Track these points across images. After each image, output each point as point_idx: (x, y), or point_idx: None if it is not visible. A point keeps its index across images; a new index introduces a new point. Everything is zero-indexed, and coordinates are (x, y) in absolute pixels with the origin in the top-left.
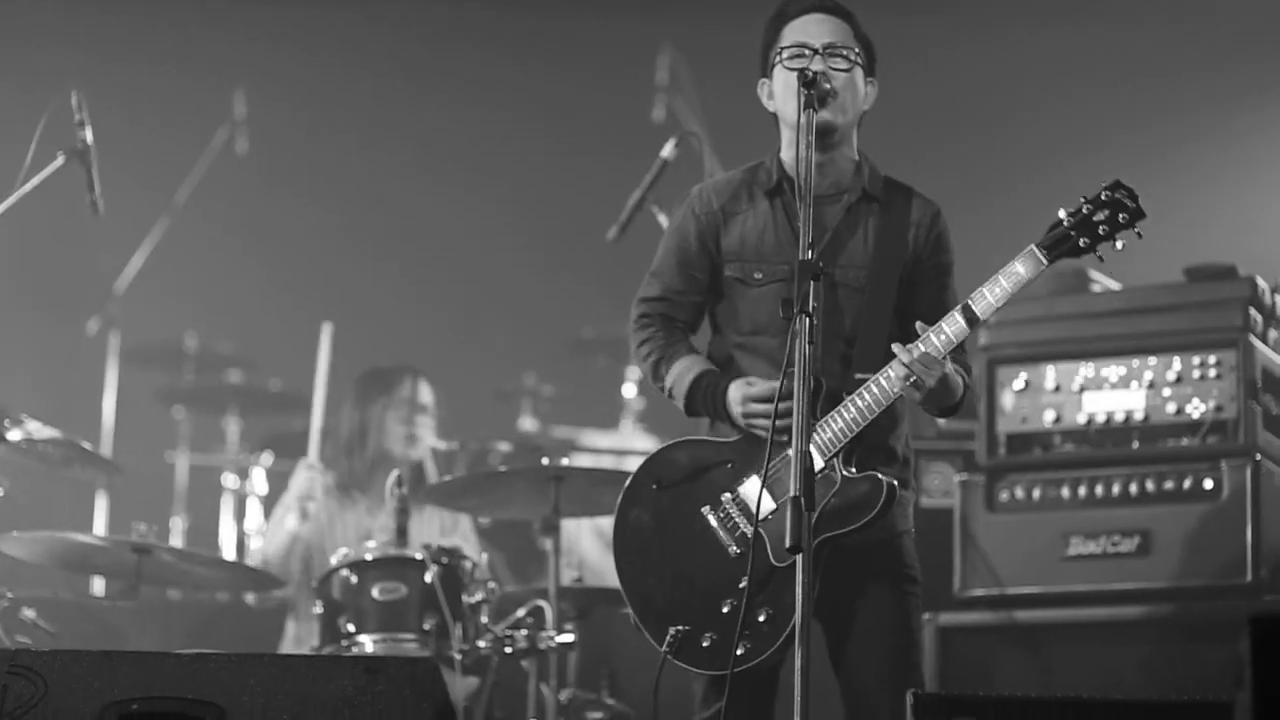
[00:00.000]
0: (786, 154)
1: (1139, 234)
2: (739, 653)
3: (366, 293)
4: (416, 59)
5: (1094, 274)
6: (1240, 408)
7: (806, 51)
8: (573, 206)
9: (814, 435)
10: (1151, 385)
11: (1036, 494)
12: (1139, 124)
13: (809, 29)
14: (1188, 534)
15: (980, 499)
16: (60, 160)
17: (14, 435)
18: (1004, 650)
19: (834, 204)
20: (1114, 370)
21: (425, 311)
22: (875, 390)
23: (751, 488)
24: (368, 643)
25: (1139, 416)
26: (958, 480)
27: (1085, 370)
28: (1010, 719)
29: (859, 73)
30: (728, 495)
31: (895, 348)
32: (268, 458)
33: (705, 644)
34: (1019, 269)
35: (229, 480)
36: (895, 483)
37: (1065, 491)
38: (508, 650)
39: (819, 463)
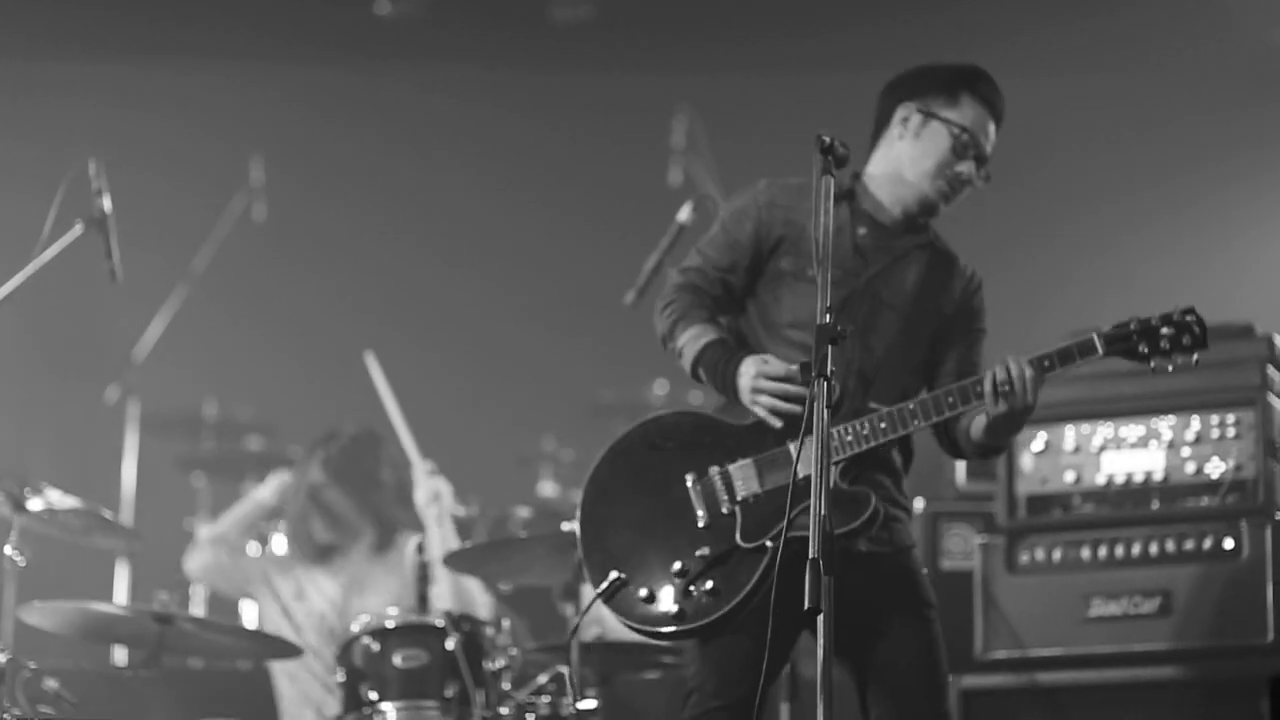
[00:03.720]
0: (874, 170)
1: (1196, 361)
2: (672, 612)
3: (385, 358)
4: (432, 124)
5: None
6: (1259, 467)
7: (968, 148)
8: (590, 270)
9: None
10: (1170, 445)
11: (1057, 555)
12: (1156, 178)
13: (985, 128)
14: (1208, 594)
15: (1001, 561)
16: (79, 229)
17: (35, 505)
18: (1026, 713)
19: (901, 238)
20: (1133, 430)
21: (444, 376)
22: (922, 408)
23: (742, 467)
24: (390, 710)
25: (1158, 476)
26: (978, 542)
27: (1104, 430)
28: None
29: None
30: (716, 469)
31: (1008, 357)
32: (287, 524)
33: (641, 595)
34: (1076, 349)
35: (249, 547)
36: (883, 508)
37: (1086, 552)
38: (529, 717)
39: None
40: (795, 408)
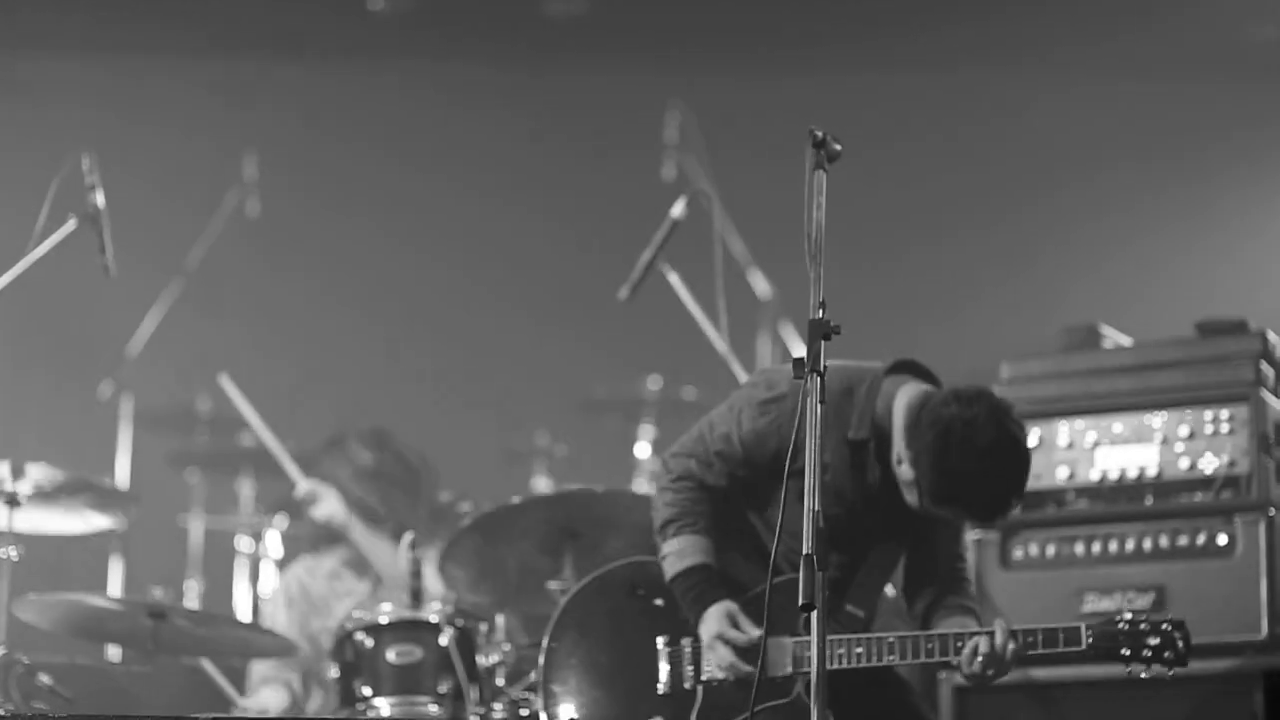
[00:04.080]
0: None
1: (1171, 675)
2: None
3: (378, 353)
4: (424, 120)
5: (1105, 330)
6: (1253, 463)
7: None
8: (583, 265)
9: (802, 646)
10: (1164, 441)
11: (1051, 551)
12: (1154, 180)
13: None
14: (1202, 590)
15: (995, 557)
16: (72, 224)
17: (23, 487)
18: (1020, 709)
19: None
20: (1126, 426)
21: (436, 371)
22: (900, 646)
23: (715, 650)
24: (384, 706)
25: (1152, 472)
26: (972, 538)
27: (1098, 426)
28: None
29: None
30: (689, 640)
31: (998, 626)
32: (282, 520)
33: None
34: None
35: (243, 543)
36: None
37: (1079, 548)
38: (523, 713)
39: (787, 669)
40: (745, 668)
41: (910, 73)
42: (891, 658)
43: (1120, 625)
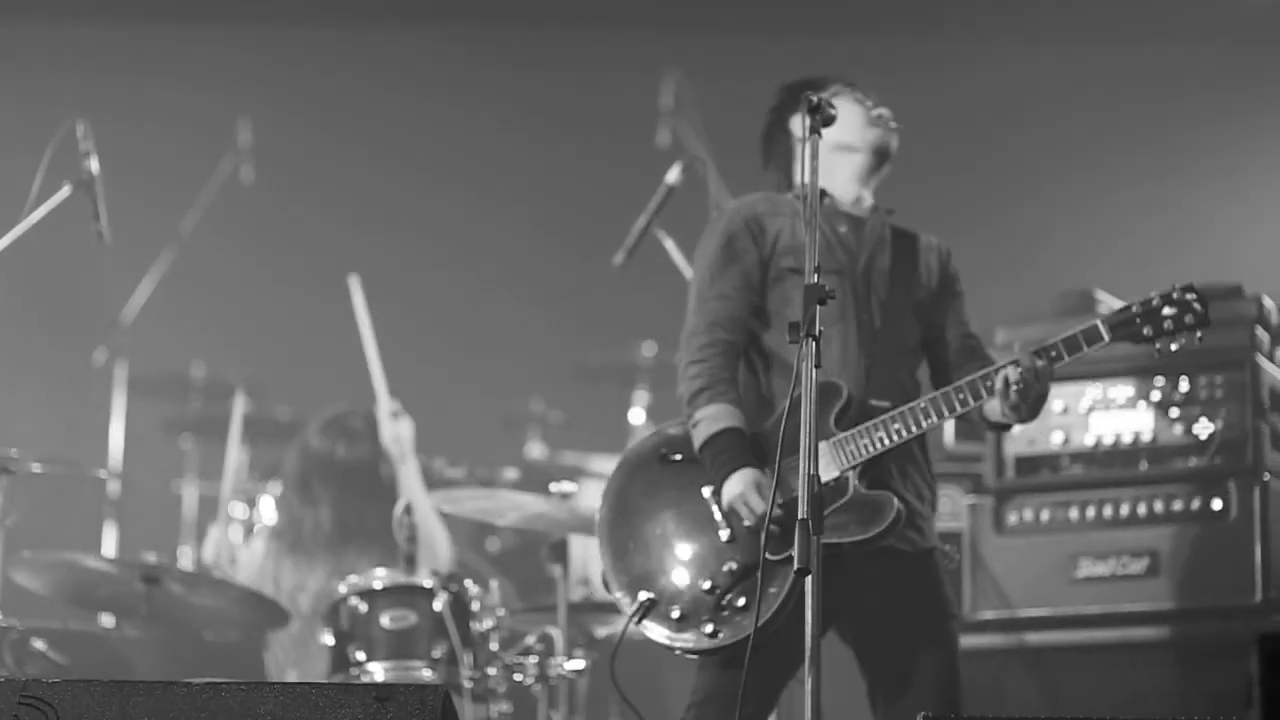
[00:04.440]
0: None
1: (1200, 338)
2: (707, 630)
3: (373, 320)
4: (419, 86)
5: (1100, 294)
6: (1248, 428)
7: (868, 98)
8: (577, 231)
9: (839, 445)
10: (1159, 406)
11: (1045, 516)
12: (1146, 141)
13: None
14: (1196, 555)
15: (989, 521)
16: (67, 191)
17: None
18: (1014, 673)
19: (866, 228)
20: (1121, 391)
21: (431, 338)
22: (934, 406)
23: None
24: (377, 671)
25: (1146, 437)
26: (966, 503)
27: (1093, 391)
28: None
29: None
30: None
31: (1019, 351)
32: (275, 486)
33: (674, 616)
34: (1081, 338)
35: (237, 509)
36: (903, 508)
37: (1074, 513)
38: (517, 678)
39: (834, 471)
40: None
41: (904, 36)
42: (929, 420)
43: (1134, 309)
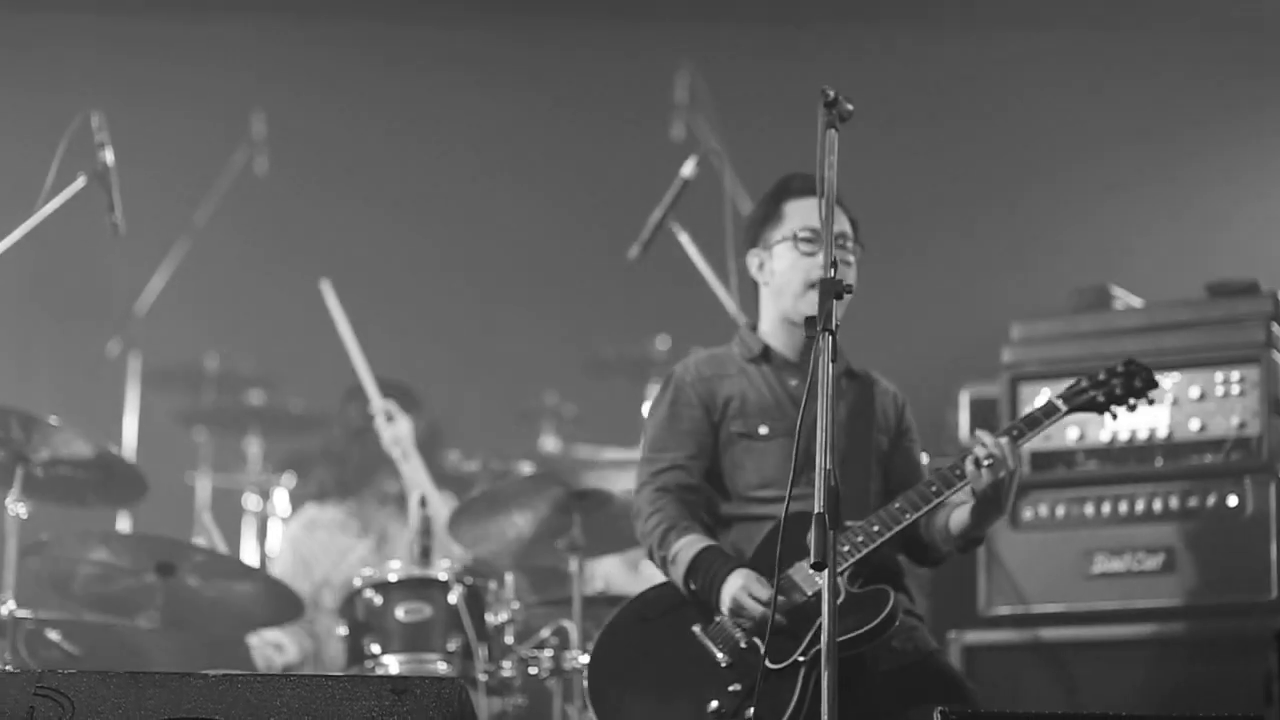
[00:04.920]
0: (767, 326)
1: (1150, 401)
2: None
3: (386, 312)
4: (431, 77)
5: (1116, 290)
6: (1263, 424)
7: (814, 240)
8: (591, 225)
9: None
10: (1175, 402)
11: (1060, 512)
12: (1162, 136)
13: (816, 212)
14: (1212, 551)
15: (1004, 518)
16: (82, 182)
17: (40, 454)
18: (1029, 669)
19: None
20: None
21: (445, 330)
22: (908, 501)
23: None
24: (392, 663)
25: (1162, 434)
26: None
27: None
28: None
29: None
30: (719, 615)
31: (979, 433)
32: (289, 478)
33: None
34: (1039, 413)
35: (250, 501)
36: (900, 597)
37: (1089, 509)
38: (532, 671)
39: (819, 582)
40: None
41: (920, 32)
42: (907, 517)
43: (1084, 383)
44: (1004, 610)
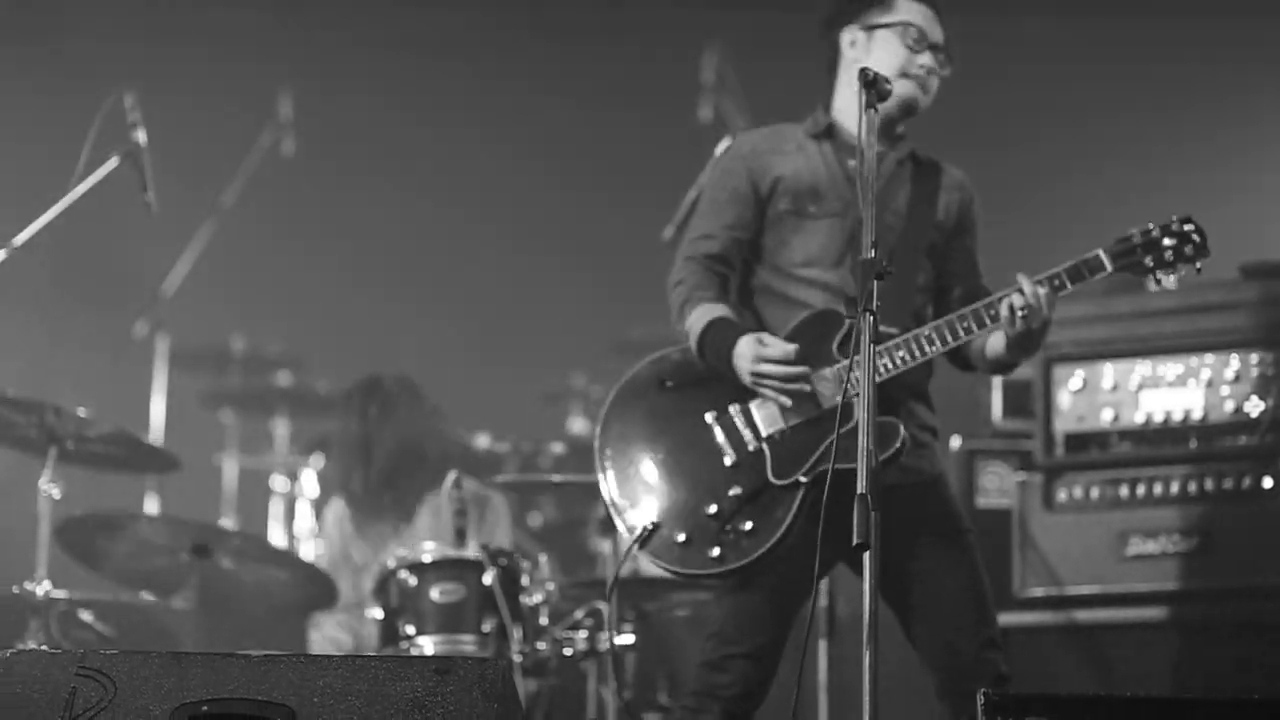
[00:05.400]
0: (840, 104)
1: (1198, 269)
2: (712, 554)
3: (415, 294)
4: (460, 60)
5: None
6: None
7: (921, 41)
8: (619, 207)
9: (843, 371)
10: (1209, 384)
11: (1095, 494)
12: (1189, 113)
13: (928, 17)
14: (1247, 533)
15: (1038, 499)
16: (115, 162)
17: (68, 436)
18: (1064, 651)
19: (885, 160)
20: (1171, 369)
21: (474, 312)
22: (938, 333)
23: (762, 403)
24: (427, 645)
25: (1197, 415)
26: (1016, 480)
27: (1143, 369)
28: (1082, 718)
29: None
30: (735, 406)
31: (1021, 277)
32: (317, 459)
33: (678, 539)
34: (1085, 267)
35: (278, 483)
36: (909, 435)
37: (1124, 491)
38: (567, 652)
39: (837, 397)
40: (801, 387)
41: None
42: (933, 347)
43: (1135, 239)
44: (1038, 592)
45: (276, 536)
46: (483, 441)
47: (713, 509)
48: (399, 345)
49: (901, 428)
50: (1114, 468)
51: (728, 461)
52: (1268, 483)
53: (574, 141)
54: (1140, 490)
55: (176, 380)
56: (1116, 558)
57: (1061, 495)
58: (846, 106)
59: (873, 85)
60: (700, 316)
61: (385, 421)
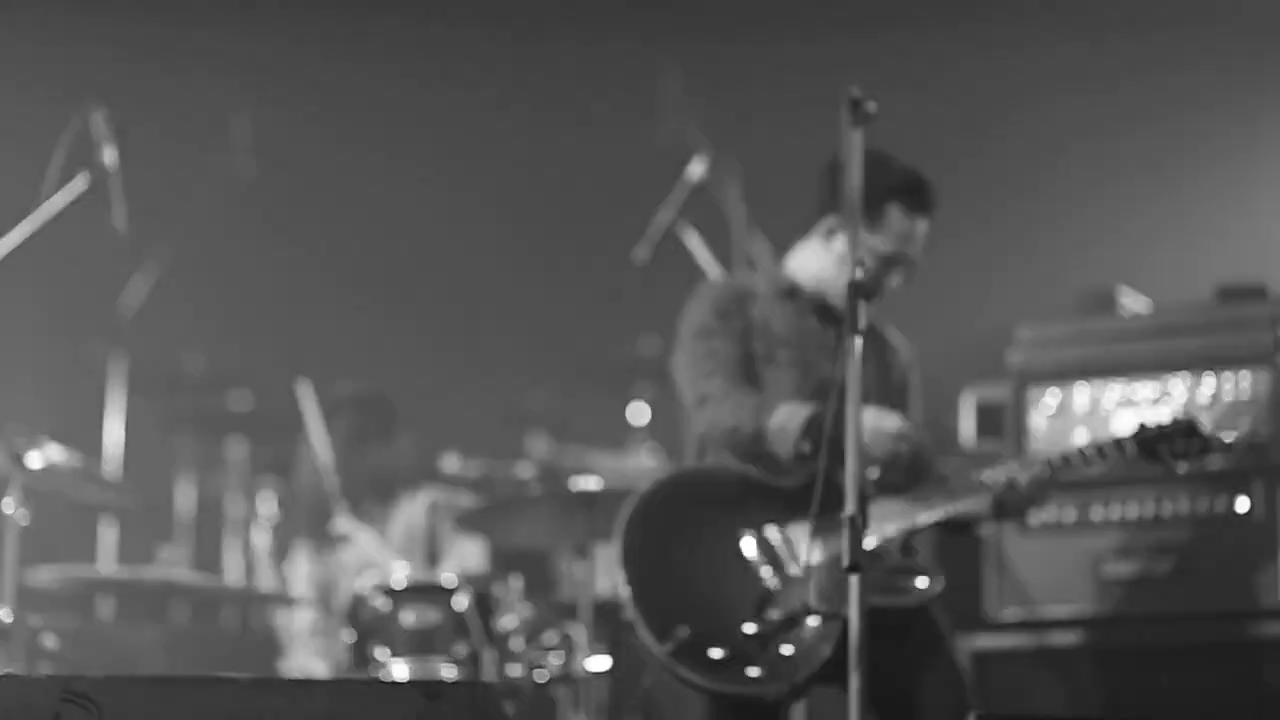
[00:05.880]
0: (799, 265)
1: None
2: (751, 674)
3: (375, 315)
4: (418, 80)
5: (1124, 292)
6: (1273, 428)
7: (894, 260)
8: (584, 226)
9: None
10: (1183, 406)
11: (1069, 516)
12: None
13: (911, 235)
14: (1221, 556)
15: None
16: (83, 181)
17: (35, 463)
18: (1038, 674)
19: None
20: (1146, 390)
21: (436, 332)
22: (964, 498)
23: (801, 530)
24: (399, 669)
25: None
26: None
27: (1117, 390)
28: None
29: None
30: (774, 529)
31: (1022, 464)
32: (275, 481)
33: (714, 655)
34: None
35: (234, 506)
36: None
37: (1098, 513)
38: (539, 678)
39: (873, 541)
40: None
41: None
42: (929, 519)
43: (1156, 430)
44: (1012, 615)
45: (233, 558)
46: (451, 464)
47: (751, 629)
48: (363, 363)
49: (933, 581)
50: (1089, 489)
51: (768, 583)
52: (1242, 505)
53: (532, 161)
54: (1115, 512)
55: (132, 403)
56: (1090, 580)
57: (1035, 517)
58: (804, 272)
59: (858, 107)
60: (791, 411)
61: (362, 441)
